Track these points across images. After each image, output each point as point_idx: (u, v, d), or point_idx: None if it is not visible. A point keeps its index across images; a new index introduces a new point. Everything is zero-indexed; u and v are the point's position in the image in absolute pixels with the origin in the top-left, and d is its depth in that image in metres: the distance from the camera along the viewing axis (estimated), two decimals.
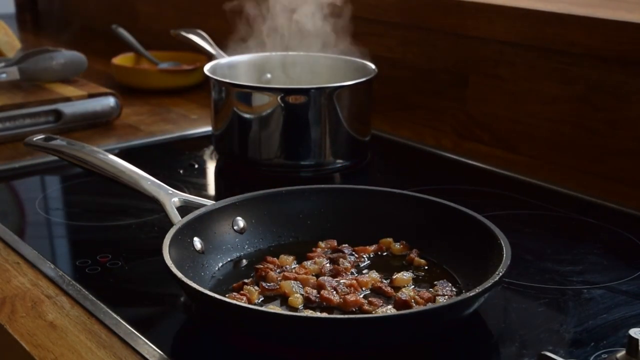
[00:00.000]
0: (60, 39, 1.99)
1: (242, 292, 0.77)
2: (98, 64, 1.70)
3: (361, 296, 0.76)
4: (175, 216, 0.85)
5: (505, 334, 0.74)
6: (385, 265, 0.84)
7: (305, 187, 0.91)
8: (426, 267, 0.83)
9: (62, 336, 0.74)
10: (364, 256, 0.85)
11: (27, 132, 1.26)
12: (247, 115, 1.12)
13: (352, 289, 0.77)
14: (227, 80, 1.15)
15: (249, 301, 0.75)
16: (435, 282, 0.79)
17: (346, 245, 0.86)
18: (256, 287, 0.77)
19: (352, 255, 0.84)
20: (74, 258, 0.90)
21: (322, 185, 0.93)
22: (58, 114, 1.33)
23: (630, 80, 1.07)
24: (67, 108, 1.34)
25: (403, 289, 0.77)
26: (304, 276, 0.79)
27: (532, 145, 1.20)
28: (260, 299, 0.77)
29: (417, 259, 0.84)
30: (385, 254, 0.86)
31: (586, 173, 1.14)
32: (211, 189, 1.15)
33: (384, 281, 0.79)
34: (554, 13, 1.13)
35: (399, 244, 0.86)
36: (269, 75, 1.28)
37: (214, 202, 0.87)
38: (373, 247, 0.86)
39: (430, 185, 1.07)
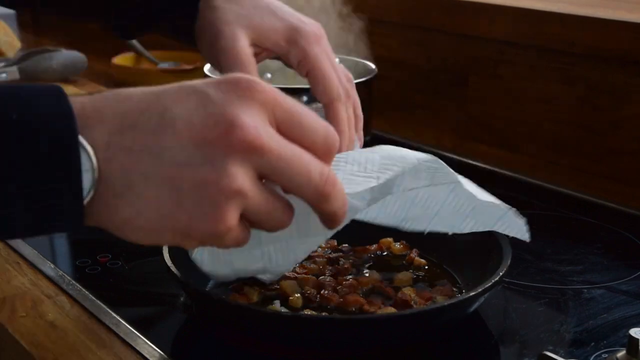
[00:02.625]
0: (61, 39, 1.99)
1: (242, 292, 0.77)
2: (98, 64, 1.70)
3: (361, 296, 0.76)
4: None
5: (505, 334, 0.74)
6: (385, 265, 0.84)
7: None
8: (426, 267, 0.83)
9: (62, 336, 0.74)
10: (364, 256, 0.85)
11: None
12: None
13: (352, 289, 0.77)
14: None
15: (249, 301, 0.75)
16: (435, 282, 0.79)
17: (346, 245, 0.86)
18: (256, 287, 0.77)
19: (352, 255, 0.84)
20: (74, 258, 0.90)
21: None
22: None
23: (630, 80, 1.07)
24: None
25: (403, 289, 0.77)
26: (304, 276, 0.79)
27: (532, 145, 1.20)
28: (260, 299, 0.76)
29: (417, 258, 0.83)
30: (385, 253, 0.86)
31: (586, 173, 1.14)
32: None
33: (384, 281, 0.79)
34: (554, 13, 1.13)
35: (399, 243, 0.86)
36: (269, 75, 1.27)
37: None
38: (373, 247, 0.86)
39: None
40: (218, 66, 0.79)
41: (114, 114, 0.49)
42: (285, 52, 0.79)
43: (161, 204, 0.49)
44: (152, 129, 0.49)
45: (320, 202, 0.53)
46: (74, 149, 0.47)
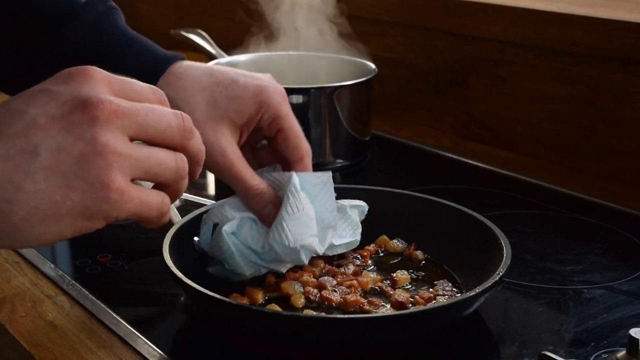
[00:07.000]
0: None
1: (242, 292, 0.76)
2: None
3: (361, 296, 0.76)
4: (175, 216, 0.85)
5: (505, 334, 0.74)
6: (385, 264, 0.84)
7: None
8: (424, 263, 0.83)
9: (62, 336, 0.74)
10: (364, 256, 0.85)
11: None
12: None
13: (352, 289, 0.77)
14: None
15: (251, 301, 0.75)
16: (435, 282, 0.79)
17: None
18: (259, 288, 0.77)
19: (352, 255, 0.84)
20: (74, 258, 0.90)
21: None
22: None
23: (630, 80, 1.07)
24: None
25: (398, 290, 0.77)
26: (304, 276, 0.79)
27: (532, 145, 1.20)
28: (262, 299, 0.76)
29: (415, 252, 0.84)
30: (383, 253, 0.86)
31: (586, 173, 1.14)
32: (211, 189, 1.15)
33: (385, 281, 0.79)
34: (555, 13, 1.13)
35: (396, 241, 0.86)
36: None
37: (214, 202, 0.87)
38: (371, 247, 0.86)
39: (430, 185, 1.07)
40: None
41: None
42: (258, 119, 0.79)
43: (53, 192, 0.52)
44: (18, 131, 0.52)
45: (188, 140, 0.57)
46: None
